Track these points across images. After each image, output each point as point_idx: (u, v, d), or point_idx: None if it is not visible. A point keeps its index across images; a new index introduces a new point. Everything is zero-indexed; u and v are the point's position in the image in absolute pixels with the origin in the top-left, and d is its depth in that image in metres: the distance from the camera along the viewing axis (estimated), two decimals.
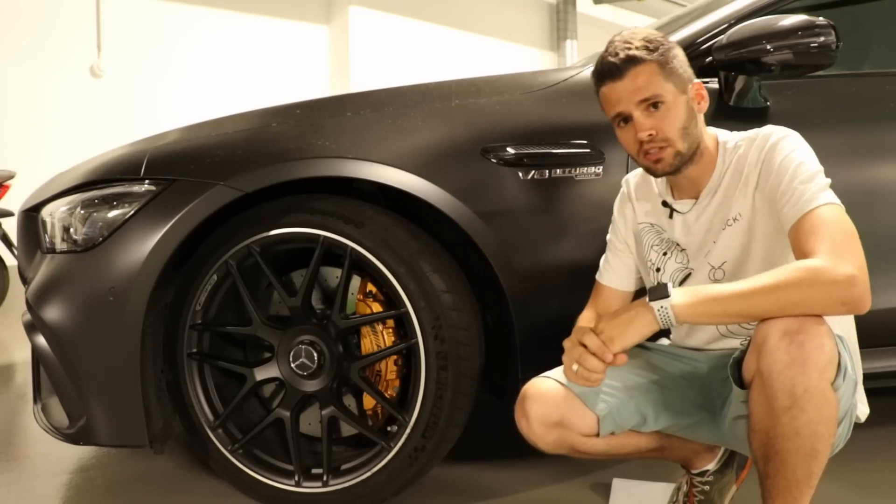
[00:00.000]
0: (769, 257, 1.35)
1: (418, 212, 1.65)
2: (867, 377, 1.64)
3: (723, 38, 1.68)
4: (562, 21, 13.14)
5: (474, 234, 1.59)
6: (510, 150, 1.62)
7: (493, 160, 1.62)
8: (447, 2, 11.29)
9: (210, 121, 1.80)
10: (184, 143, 1.73)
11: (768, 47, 1.60)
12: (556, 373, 1.43)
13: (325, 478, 1.64)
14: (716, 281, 1.41)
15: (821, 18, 1.59)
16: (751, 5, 1.79)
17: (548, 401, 1.38)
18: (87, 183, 1.71)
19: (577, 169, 1.63)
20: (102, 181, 1.70)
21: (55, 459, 2.08)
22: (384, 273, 1.58)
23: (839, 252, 1.16)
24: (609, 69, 1.34)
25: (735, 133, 1.41)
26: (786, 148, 1.31)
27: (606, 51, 1.36)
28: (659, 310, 1.19)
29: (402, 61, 10.59)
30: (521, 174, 1.62)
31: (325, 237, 1.60)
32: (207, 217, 1.61)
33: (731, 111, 1.70)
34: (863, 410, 1.38)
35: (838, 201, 1.24)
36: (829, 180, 1.27)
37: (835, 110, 1.79)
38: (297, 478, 1.65)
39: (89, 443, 1.68)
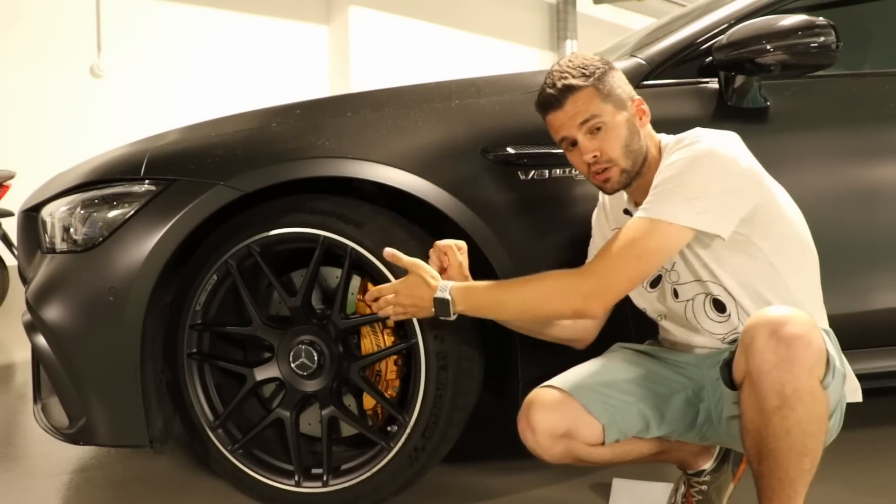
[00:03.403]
0: (699, 256, 1.38)
1: (418, 212, 1.65)
2: (867, 377, 1.64)
3: (723, 38, 1.68)
4: (562, 21, 13.14)
5: (474, 233, 1.59)
6: (510, 150, 1.62)
7: (493, 160, 1.62)
8: (447, 2, 11.28)
9: (210, 121, 1.80)
10: (184, 143, 1.73)
11: (768, 47, 1.60)
12: (559, 381, 1.43)
13: (325, 478, 1.64)
14: (673, 283, 1.45)
15: (821, 18, 1.59)
16: (751, 5, 1.79)
17: (554, 411, 1.38)
18: (87, 183, 1.71)
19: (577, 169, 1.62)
20: (102, 181, 1.70)
21: (55, 459, 2.08)
22: (384, 273, 1.58)
23: (599, 262, 1.33)
24: (549, 100, 1.41)
25: (674, 136, 1.43)
26: (680, 153, 1.35)
27: (545, 82, 1.42)
28: (440, 299, 1.39)
29: (402, 61, 10.59)
30: (521, 174, 1.62)
31: (325, 237, 1.60)
32: (207, 217, 1.61)
33: (731, 111, 1.70)
34: (856, 394, 1.40)
35: (671, 216, 1.28)
36: (694, 197, 1.29)
37: (835, 110, 1.79)
38: (297, 478, 1.65)
39: (89, 443, 1.68)
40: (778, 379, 1.13)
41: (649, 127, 1.45)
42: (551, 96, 1.40)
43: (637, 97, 1.43)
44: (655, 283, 1.48)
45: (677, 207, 1.29)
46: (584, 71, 1.38)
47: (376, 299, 1.48)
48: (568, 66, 1.40)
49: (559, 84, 1.38)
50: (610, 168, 1.39)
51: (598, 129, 1.38)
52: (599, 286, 1.31)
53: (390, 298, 1.45)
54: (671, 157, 1.36)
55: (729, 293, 1.38)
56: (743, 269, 1.37)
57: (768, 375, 1.14)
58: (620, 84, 1.42)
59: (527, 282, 1.38)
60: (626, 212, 1.49)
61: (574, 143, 1.41)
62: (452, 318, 1.41)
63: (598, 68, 1.39)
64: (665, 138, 1.45)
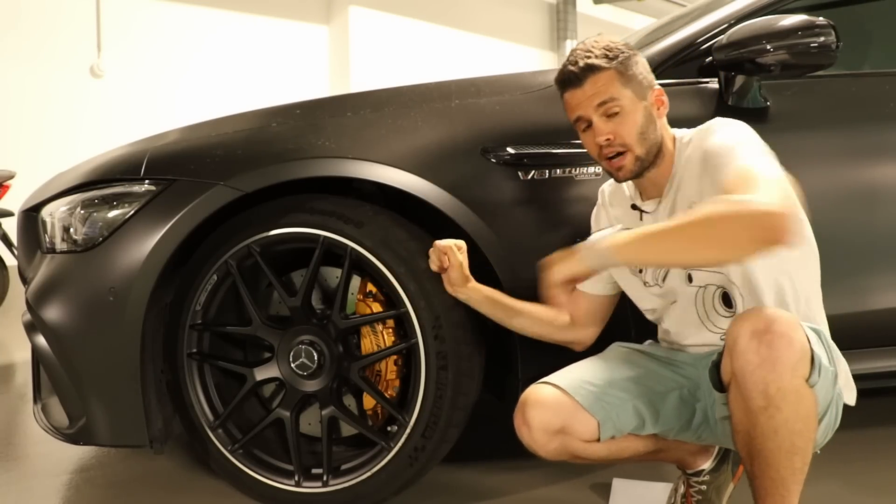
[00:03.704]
0: None
1: (418, 212, 1.65)
2: (867, 377, 1.64)
3: (723, 38, 1.68)
4: (562, 21, 13.14)
5: (474, 233, 1.59)
6: (510, 150, 1.62)
7: (493, 160, 1.62)
8: (447, 2, 11.28)
9: (210, 121, 1.80)
10: (184, 143, 1.73)
11: (768, 47, 1.60)
12: (556, 378, 1.43)
13: (325, 478, 1.64)
14: (687, 272, 1.44)
15: (821, 18, 1.59)
16: (751, 5, 1.79)
17: (549, 408, 1.39)
18: (87, 183, 1.71)
19: (577, 169, 1.63)
20: (102, 181, 1.70)
21: (55, 459, 2.08)
22: (384, 273, 1.58)
23: (762, 190, 1.16)
24: (569, 77, 1.39)
25: (690, 129, 1.44)
26: (719, 132, 1.35)
27: (568, 59, 1.40)
28: (594, 245, 1.27)
29: (402, 61, 10.59)
30: (521, 174, 1.62)
31: (325, 237, 1.60)
32: (207, 217, 1.61)
33: (731, 111, 1.70)
34: (851, 396, 1.39)
35: (763, 162, 1.25)
36: (763, 152, 1.29)
37: (835, 110, 1.79)
38: (297, 478, 1.65)
39: (89, 443, 1.68)
40: (762, 379, 1.14)
41: (664, 122, 1.44)
42: (572, 73, 1.38)
43: (658, 87, 1.43)
44: (665, 279, 1.48)
45: (762, 159, 1.25)
46: (608, 53, 1.37)
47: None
48: (593, 46, 1.39)
49: (581, 62, 1.37)
50: (624, 154, 1.38)
51: (615, 112, 1.37)
52: (787, 212, 1.12)
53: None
54: (713, 137, 1.34)
55: (745, 281, 1.37)
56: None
57: (752, 376, 1.14)
58: (643, 72, 1.41)
59: (694, 226, 1.16)
60: (634, 206, 1.48)
61: (589, 125, 1.40)
62: (613, 260, 1.27)
63: (623, 52, 1.38)
64: (679, 132, 1.45)
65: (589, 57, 1.37)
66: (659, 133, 1.41)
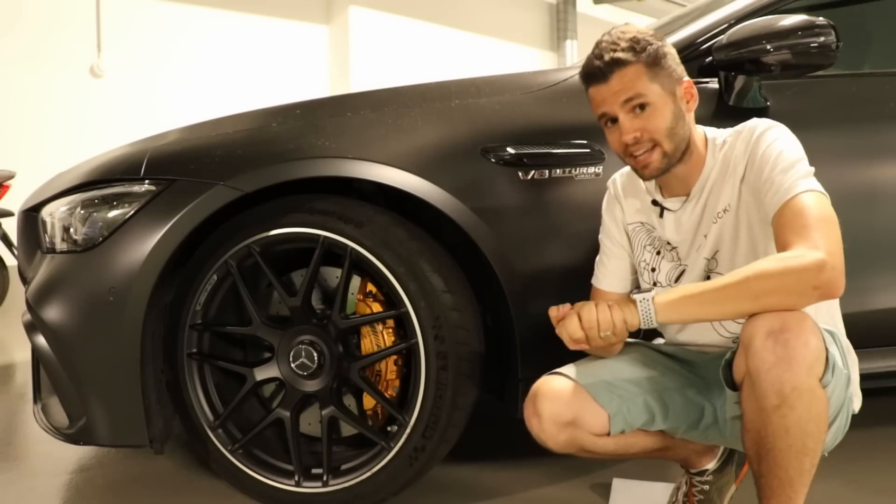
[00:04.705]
0: (754, 248, 1.37)
1: (418, 212, 1.65)
2: (867, 377, 1.64)
3: (723, 38, 1.68)
4: (562, 21, 13.15)
5: (474, 233, 1.59)
6: (510, 150, 1.62)
7: (493, 160, 1.62)
8: (447, 2, 11.29)
9: (210, 121, 1.80)
10: (184, 143, 1.73)
11: (768, 47, 1.60)
12: (568, 370, 1.43)
13: (325, 478, 1.64)
14: (709, 271, 1.42)
15: (821, 18, 1.59)
16: (751, 5, 1.79)
17: (561, 399, 1.38)
18: (87, 183, 1.71)
19: (577, 169, 1.63)
20: (102, 181, 1.70)
21: (55, 459, 2.08)
22: (384, 273, 1.58)
23: (811, 239, 1.18)
24: (594, 72, 1.34)
25: (724, 130, 1.42)
26: (768, 138, 1.33)
27: (593, 52, 1.35)
28: (641, 301, 1.22)
29: (402, 61, 10.59)
30: (520, 174, 1.62)
31: (325, 237, 1.60)
32: (207, 217, 1.61)
33: (731, 111, 1.70)
34: (856, 403, 1.39)
35: (818, 187, 1.25)
36: (811, 169, 1.28)
37: (835, 110, 1.79)
38: (297, 478, 1.65)
39: (89, 443, 1.68)
40: (777, 377, 1.13)
41: (692, 116, 1.39)
42: (597, 69, 1.33)
43: (687, 79, 1.38)
44: (678, 279, 1.47)
45: (812, 180, 1.26)
46: (635, 45, 1.31)
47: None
48: (619, 37, 1.33)
49: (607, 56, 1.32)
50: (652, 151, 1.34)
51: (642, 108, 1.32)
52: (834, 263, 1.15)
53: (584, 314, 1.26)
54: (762, 144, 1.32)
55: None
56: None
57: (768, 374, 1.14)
58: (671, 64, 1.35)
59: (744, 283, 1.17)
60: (655, 202, 1.46)
61: (615, 121, 1.35)
62: (655, 325, 1.25)
63: (651, 44, 1.32)
64: (712, 132, 1.42)
65: (615, 50, 1.31)
66: (688, 128, 1.37)
